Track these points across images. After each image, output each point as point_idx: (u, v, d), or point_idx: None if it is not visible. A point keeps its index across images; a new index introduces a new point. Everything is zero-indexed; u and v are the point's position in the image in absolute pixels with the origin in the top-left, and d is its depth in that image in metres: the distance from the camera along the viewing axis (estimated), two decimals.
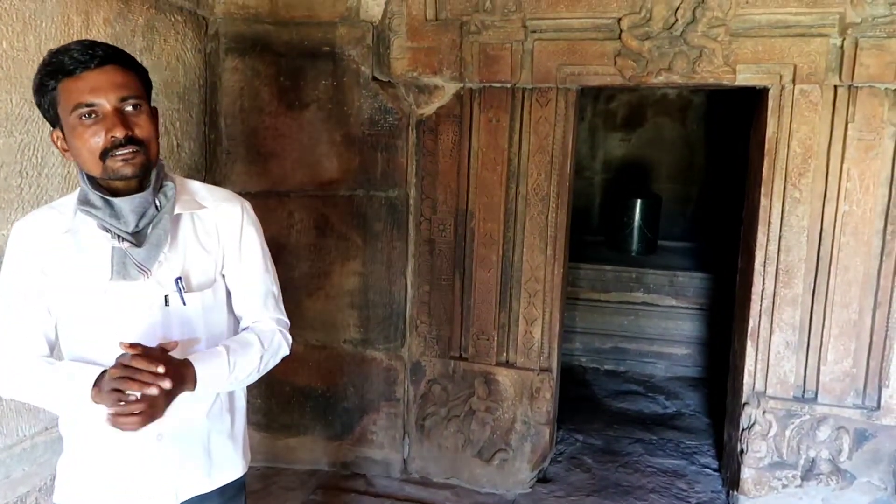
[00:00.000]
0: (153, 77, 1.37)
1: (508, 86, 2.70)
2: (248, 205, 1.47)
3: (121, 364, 1.19)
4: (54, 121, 1.28)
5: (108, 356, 1.27)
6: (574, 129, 2.78)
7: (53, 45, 1.87)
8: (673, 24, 2.48)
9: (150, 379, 1.16)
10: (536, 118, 2.72)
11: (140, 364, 1.16)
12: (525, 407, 2.92)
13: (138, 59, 1.32)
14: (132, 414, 1.17)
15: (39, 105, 1.29)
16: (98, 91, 1.21)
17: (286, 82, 2.82)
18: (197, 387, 1.28)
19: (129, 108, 1.25)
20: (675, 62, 2.51)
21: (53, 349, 1.38)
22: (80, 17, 1.97)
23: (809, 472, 2.62)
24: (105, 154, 1.23)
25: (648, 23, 2.50)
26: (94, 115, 1.22)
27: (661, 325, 4.41)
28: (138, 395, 1.17)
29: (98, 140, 1.22)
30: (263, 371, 1.43)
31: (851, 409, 2.57)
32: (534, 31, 2.64)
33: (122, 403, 1.17)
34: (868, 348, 2.54)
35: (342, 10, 2.75)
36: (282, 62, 2.80)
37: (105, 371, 1.24)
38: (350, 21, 2.76)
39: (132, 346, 1.19)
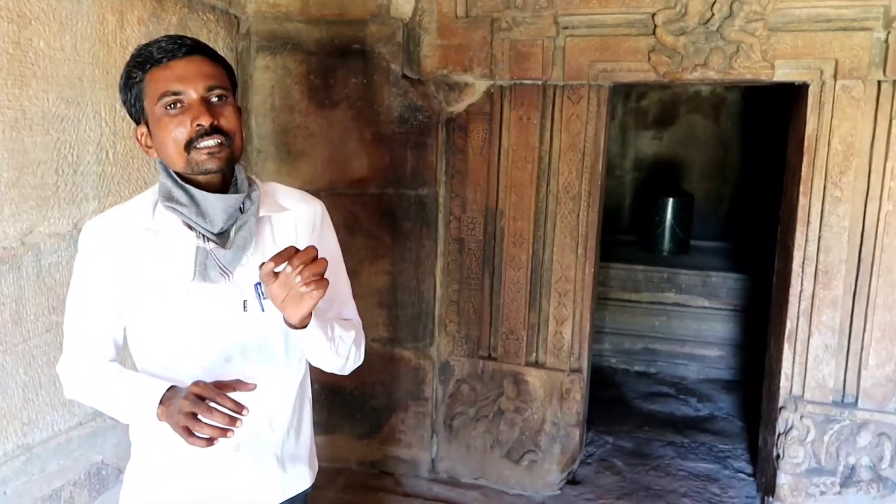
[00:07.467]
0: None
1: (539, 83, 2.67)
2: (323, 206, 1.41)
3: (201, 395, 1.14)
4: (139, 116, 1.24)
5: (182, 361, 1.26)
6: (606, 127, 2.74)
7: (89, 45, 1.91)
8: (709, 19, 2.43)
9: (226, 423, 1.13)
10: (568, 116, 2.69)
11: (226, 403, 1.14)
12: (555, 408, 2.89)
13: None
14: (203, 438, 1.14)
15: (125, 101, 1.25)
16: (185, 80, 1.17)
17: (316, 81, 2.82)
18: (306, 331, 1.21)
19: (215, 99, 1.20)
20: (711, 58, 2.45)
21: (120, 353, 1.35)
22: (114, 17, 1.99)
23: (849, 480, 2.55)
24: (190, 145, 1.18)
25: (684, 17, 2.45)
26: (179, 105, 1.18)
27: (693, 327, 4.33)
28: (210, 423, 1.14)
29: (183, 130, 1.17)
30: (354, 357, 1.38)
31: (894, 416, 2.48)
32: (565, 28, 2.60)
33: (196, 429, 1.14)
34: None
35: (373, 8, 2.75)
36: (312, 60, 2.81)
37: (172, 386, 1.20)
38: (380, 19, 2.75)
39: (233, 383, 1.19)
